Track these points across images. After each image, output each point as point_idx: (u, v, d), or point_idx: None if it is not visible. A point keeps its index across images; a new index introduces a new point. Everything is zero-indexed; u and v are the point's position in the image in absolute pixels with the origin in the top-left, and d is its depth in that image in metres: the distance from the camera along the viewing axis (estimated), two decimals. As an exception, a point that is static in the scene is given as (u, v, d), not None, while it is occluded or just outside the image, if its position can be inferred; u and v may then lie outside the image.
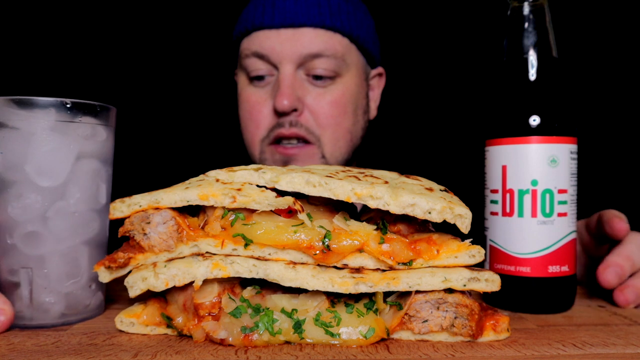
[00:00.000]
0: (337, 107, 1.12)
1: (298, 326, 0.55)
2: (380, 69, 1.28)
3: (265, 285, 0.58)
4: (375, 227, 0.57)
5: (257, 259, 0.57)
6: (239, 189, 0.57)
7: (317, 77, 1.11)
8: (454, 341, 0.56)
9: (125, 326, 0.59)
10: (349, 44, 1.15)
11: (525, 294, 0.69)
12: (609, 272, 0.72)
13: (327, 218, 0.57)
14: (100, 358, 0.51)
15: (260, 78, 1.14)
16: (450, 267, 0.57)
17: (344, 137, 1.15)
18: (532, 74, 0.70)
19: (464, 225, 0.56)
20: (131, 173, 1.30)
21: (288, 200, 0.56)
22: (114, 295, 0.76)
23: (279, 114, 1.09)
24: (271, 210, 0.56)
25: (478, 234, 0.70)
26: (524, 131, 0.68)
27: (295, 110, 1.09)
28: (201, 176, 0.63)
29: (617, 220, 0.76)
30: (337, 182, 0.56)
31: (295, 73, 1.10)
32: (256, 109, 1.13)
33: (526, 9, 0.71)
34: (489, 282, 0.56)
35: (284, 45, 1.09)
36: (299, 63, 1.10)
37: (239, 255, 0.57)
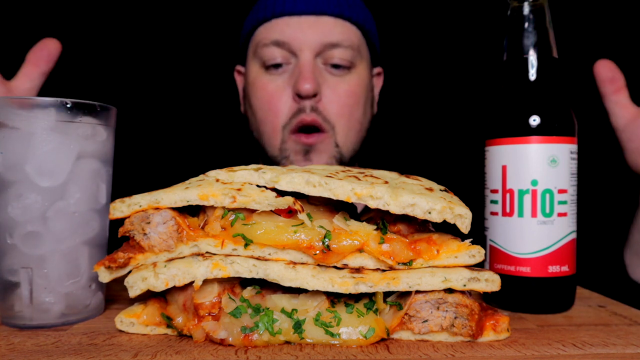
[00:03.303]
0: (352, 97, 1.15)
1: (298, 326, 0.55)
2: (379, 69, 1.32)
3: (265, 285, 0.58)
4: (375, 227, 0.57)
5: (257, 259, 0.57)
6: (239, 189, 0.57)
7: (335, 66, 1.14)
8: (454, 341, 0.56)
9: (125, 326, 0.59)
10: (362, 36, 1.19)
11: (525, 294, 0.69)
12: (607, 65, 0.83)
13: (327, 218, 0.57)
14: (100, 358, 0.51)
15: (277, 66, 1.14)
16: (450, 267, 0.57)
17: (355, 127, 1.18)
18: (532, 74, 0.70)
19: (464, 225, 0.56)
20: (131, 173, 1.30)
21: (288, 200, 0.56)
22: (114, 295, 0.76)
23: (300, 97, 1.10)
24: (271, 210, 0.56)
25: (478, 234, 0.70)
26: (524, 131, 0.68)
27: (315, 95, 1.10)
28: (201, 176, 0.63)
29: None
30: (337, 182, 0.56)
31: (314, 61, 1.12)
32: (275, 96, 1.14)
33: (526, 9, 0.71)
34: (489, 282, 0.56)
35: (305, 32, 1.11)
36: (318, 51, 1.12)
37: (239, 255, 0.57)
